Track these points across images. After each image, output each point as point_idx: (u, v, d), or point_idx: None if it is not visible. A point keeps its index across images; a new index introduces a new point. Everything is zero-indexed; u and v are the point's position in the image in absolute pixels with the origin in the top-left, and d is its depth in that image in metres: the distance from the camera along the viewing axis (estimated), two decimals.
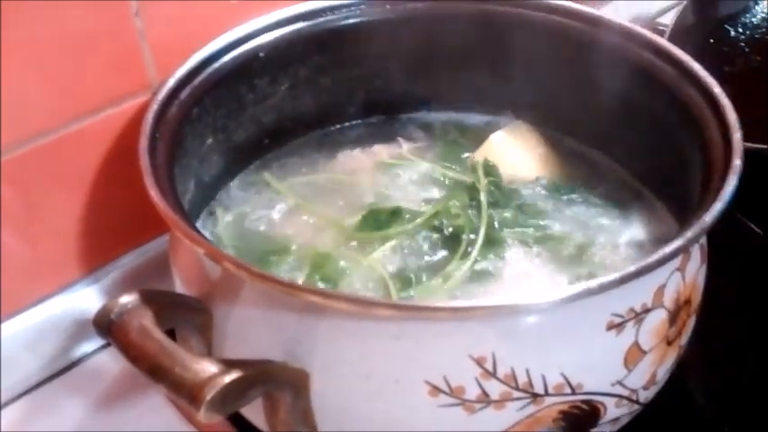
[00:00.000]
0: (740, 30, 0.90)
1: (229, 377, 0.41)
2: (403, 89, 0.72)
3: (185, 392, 0.41)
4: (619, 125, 0.65)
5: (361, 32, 0.67)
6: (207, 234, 0.61)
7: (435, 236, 0.59)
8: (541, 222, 0.62)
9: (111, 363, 0.66)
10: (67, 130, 0.59)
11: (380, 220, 0.60)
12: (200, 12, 0.63)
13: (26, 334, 0.62)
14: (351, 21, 0.66)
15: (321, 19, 0.65)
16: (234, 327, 0.50)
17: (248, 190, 0.66)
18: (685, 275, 0.51)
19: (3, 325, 0.61)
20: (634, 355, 0.48)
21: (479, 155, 0.67)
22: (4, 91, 0.55)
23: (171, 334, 0.46)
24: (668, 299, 0.49)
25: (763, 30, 0.91)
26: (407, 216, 0.60)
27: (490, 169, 0.65)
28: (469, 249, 0.58)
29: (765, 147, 0.68)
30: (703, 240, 0.54)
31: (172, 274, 0.57)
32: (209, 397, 0.40)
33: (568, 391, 0.47)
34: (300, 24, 0.65)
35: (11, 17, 0.53)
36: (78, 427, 0.62)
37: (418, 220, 0.60)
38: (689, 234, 0.46)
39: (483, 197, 0.62)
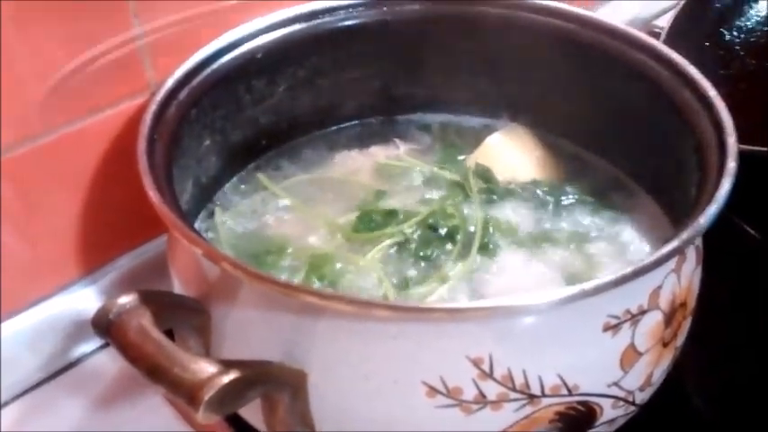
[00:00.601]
0: (735, 33, 0.90)
1: (228, 377, 0.41)
2: (400, 91, 0.72)
3: (184, 393, 0.41)
4: (615, 127, 0.65)
5: (358, 34, 0.67)
6: (205, 234, 0.61)
7: (431, 236, 0.59)
8: (537, 224, 0.62)
9: (109, 363, 0.66)
10: (66, 129, 0.60)
11: (376, 220, 0.60)
12: (198, 13, 0.63)
13: (25, 334, 0.62)
14: (348, 22, 0.66)
15: (319, 20, 0.65)
16: (232, 327, 0.50)
17: (246, 191, 0.66)
18: (681, 277, 0.51)
19: (2, 325, 0.61)
20: (630, 356, 0.49)
21: (476, 157, 0.67)
22: (4, 91, 0.55)
23: (169, 334, 0.46)
24: (664, 300, 0.49)
25: (759, 33, 0.91)
26: (402, 217, 0.60)
27: (484, 172, 0.65)
28: (465, 251, 0.58)
29: (761, 149, 0.68)
30: (699, 242, 0.54)
31: (170, 274, 0.57)
32: (207, 397, 0.40)
33: (565, 392, 0.47)
34: (298, 26, 0.65)
35: (11, 17, 0.53)
36: (77, 427, 0.62)
37: (413, 221, 0.60)
38: (684, 236, 0.46)
39: (477, 199, 0.62)
